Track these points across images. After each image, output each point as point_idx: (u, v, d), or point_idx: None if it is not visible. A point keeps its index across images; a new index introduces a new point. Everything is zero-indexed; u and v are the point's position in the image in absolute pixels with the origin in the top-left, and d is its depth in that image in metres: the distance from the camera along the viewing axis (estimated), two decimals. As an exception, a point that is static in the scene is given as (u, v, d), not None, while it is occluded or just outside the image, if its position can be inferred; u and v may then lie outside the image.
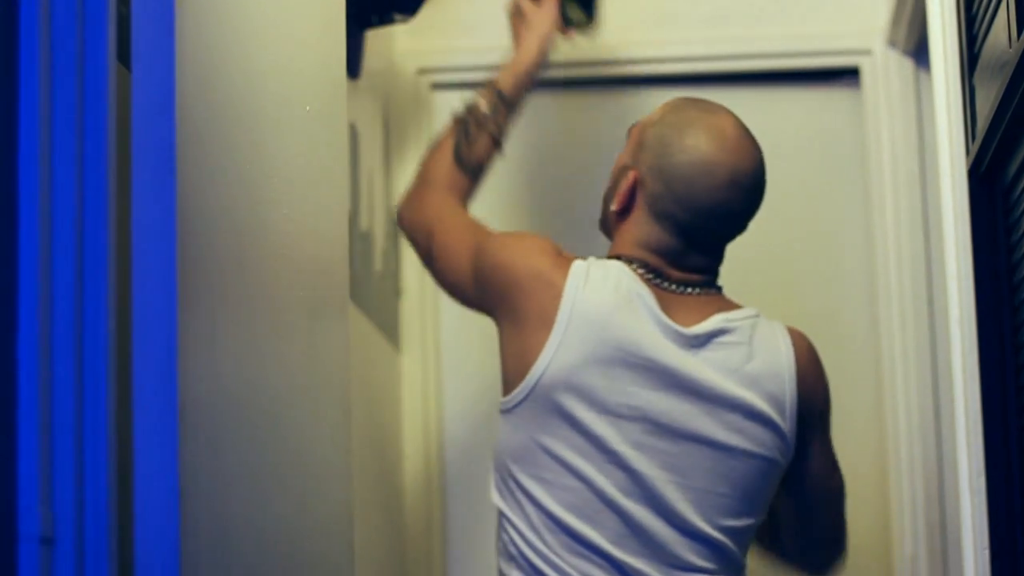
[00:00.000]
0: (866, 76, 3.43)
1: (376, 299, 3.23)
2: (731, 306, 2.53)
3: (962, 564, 2.18)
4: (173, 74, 1.64)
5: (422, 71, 3.54)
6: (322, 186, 2.18)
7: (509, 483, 2.50)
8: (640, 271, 2.49)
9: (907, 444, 3.32)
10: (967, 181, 2.17)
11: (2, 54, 1.61)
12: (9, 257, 1.59)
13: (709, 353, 2.45)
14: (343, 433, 2.20)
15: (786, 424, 2.48)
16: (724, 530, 2.45)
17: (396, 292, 3.44)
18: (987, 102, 2.01)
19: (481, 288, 2.58)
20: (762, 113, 3.51)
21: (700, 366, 2.44)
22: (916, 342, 3.33)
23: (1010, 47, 1.86)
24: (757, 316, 2.53)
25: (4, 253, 1.59)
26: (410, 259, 3.50)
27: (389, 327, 3.35)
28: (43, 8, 1.62)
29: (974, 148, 2.12)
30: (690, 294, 2.51)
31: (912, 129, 3.41)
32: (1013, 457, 2.06)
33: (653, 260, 2.50)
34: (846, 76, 3.48)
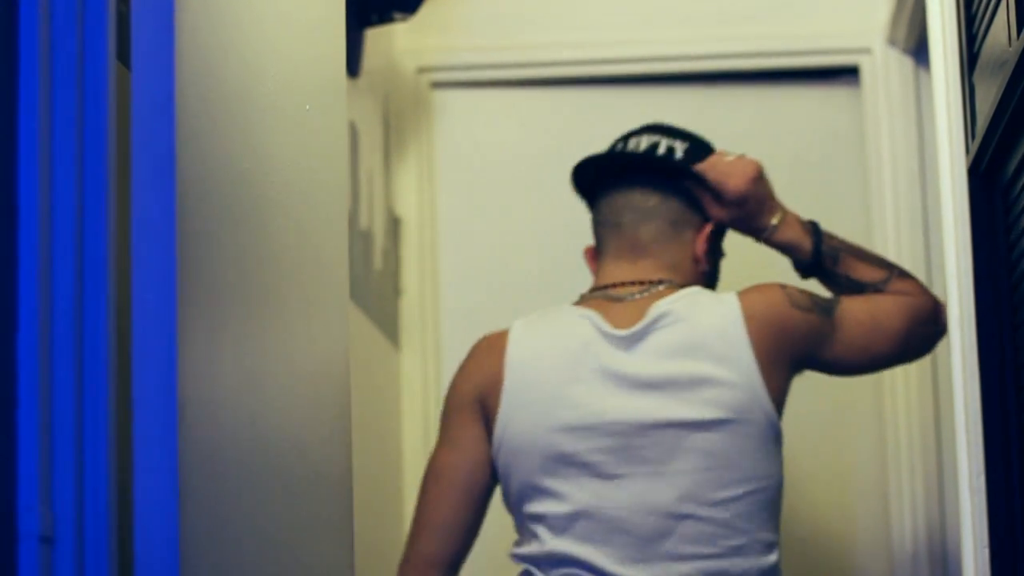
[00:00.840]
0: (866, 75, 3.43)
1: (376, 298, 3.23)
2: (671, 292, 2.63)
3: (962, 564, 2.18)
4: (173, 74, 1.64)
5: (422, 69, 3.54)
6: (322, 185, 2.18)
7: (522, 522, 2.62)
8: (594, 297, 2.66)
9: (907, 444, 3.33)
10: (967, 180, 2.17)
11: (2, 54, 1.60)
12: (9, 257, 1.59)
13: (648, 343, 2.55)
14: (343, 432, 2.20)
15: (746, 376, 2.50)
16: (717, 505, 2.46)
17: (396, 291, 3.44)
18: (987, 101, 2.01)
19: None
20: (762, 112, 3.52)
21: (640, 359, 2.54)
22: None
23: (1010, 46, 1.86)
24: (699, 292, 2.58)
25: (4, 253, 1.59)
26: (410, 258, 3.50)
27: (389, 326, 3.35)
28: (43, 8, 1.62)
29: (974, 147, 2.12)
30: (636, 299, 2.63)
31: (912, 128, 3.40)
32: (1013, 457, 2.06)
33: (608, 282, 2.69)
34: (846, 75, 3.48)
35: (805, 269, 2.74)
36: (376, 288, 3.23)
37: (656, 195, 2.72)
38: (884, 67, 3.41)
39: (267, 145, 1.98)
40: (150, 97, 1.64)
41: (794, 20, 3.49)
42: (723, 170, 2.72)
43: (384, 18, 3.18)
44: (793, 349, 2.58)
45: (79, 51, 1.64)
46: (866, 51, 3.43)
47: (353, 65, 3.08)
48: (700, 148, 2.77)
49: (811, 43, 3.48)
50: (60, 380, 1.60)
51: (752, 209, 2.72)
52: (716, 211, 2.71)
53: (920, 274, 3.35)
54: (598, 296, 2.66)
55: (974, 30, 2.12)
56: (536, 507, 2.54)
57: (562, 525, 2.51)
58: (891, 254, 3.35)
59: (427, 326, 3.48)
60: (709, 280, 2.74)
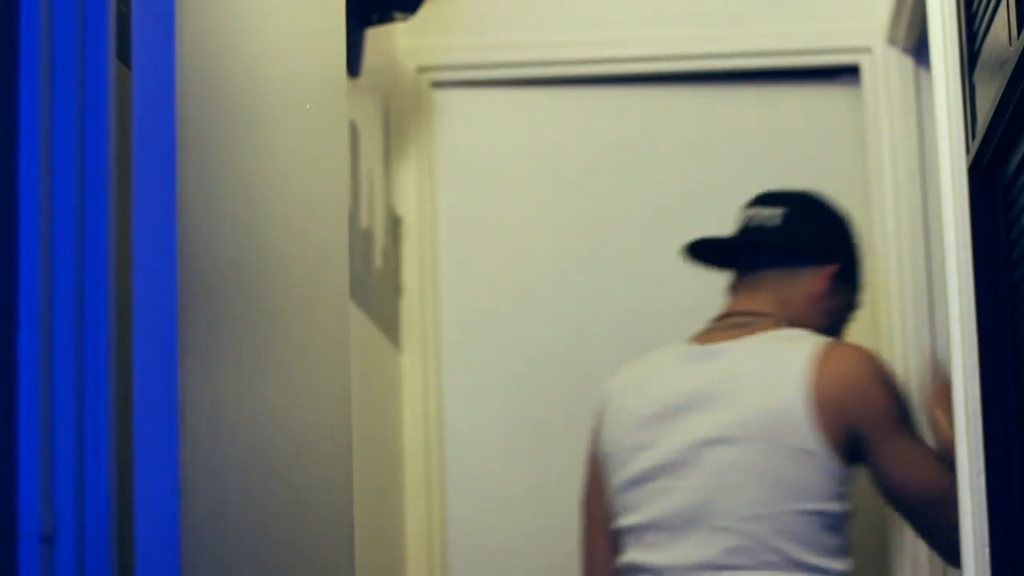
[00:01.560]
0: (866, 74, 3.43)
1: (376, 298, 3.23)
2: (765, 329, 2.80)
3: (962, 564, 2.18)
4: (173, 74, 1.64)
5: (422, 69, 3.53)
6: (322, 184, 2.17)
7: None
8: (705, 328, 2.88)
9: (907, 442, 3.32)
10: (967, 179, 2.17)
11: (2, 54, 1.60)
12: (9, 257, 1.59)
13: (712, 366, 2.75)
14: (343, 432, 2.20)
15: (799, 411, 2.63)
16: (751, 520, 2.54)
17: (396, 290, 3.44)
18: (987, 100, 2.01)
19: None
20: (762, 112, 3.52)
21: (704, 374, 2.75)
22: (916, 341, 3.33)
23: (1010, 45, 1.86)
24: (786, 339, 2.76)
25: (4, 253, 1.59)
26: (410, 258, 3.50)
27: (389, 326, 3.35)
28: (43, 8, 1.62)
29: (974, 146, 2.12)
30: (730, 331, 2.83)
31: (912, 128, 3.40)
32: (1013, 457, 2.06)
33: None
34: (846, 74, 3.48)
35: None
36: (376, 288, 3.23)
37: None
38: (884, 67, 3.41)
39: (267, 145, 1.98)
40: (150, 97, 1.64)
41: (794, 20, 3.48)
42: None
43: (384, 18, 3.18)
44: (852, 425, 2.67)
45: (79, 51, 1.64)
46: (866, 51, 3.43)
47: (353, 65, 3.08)
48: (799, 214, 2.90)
49: (811, 43, 3.48)
50: (60, 380, 1.59)
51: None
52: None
53: (920, 274, 3.35)
54: (714, 326, 2.86)
55: (974, 29, 2.12)
56: (620, 522, 2.78)
57: (636, 537, 2.74)
58: (891, 254, 3.35)
59: (427, 326, 3.48)
60: (831, 324, 2.83)
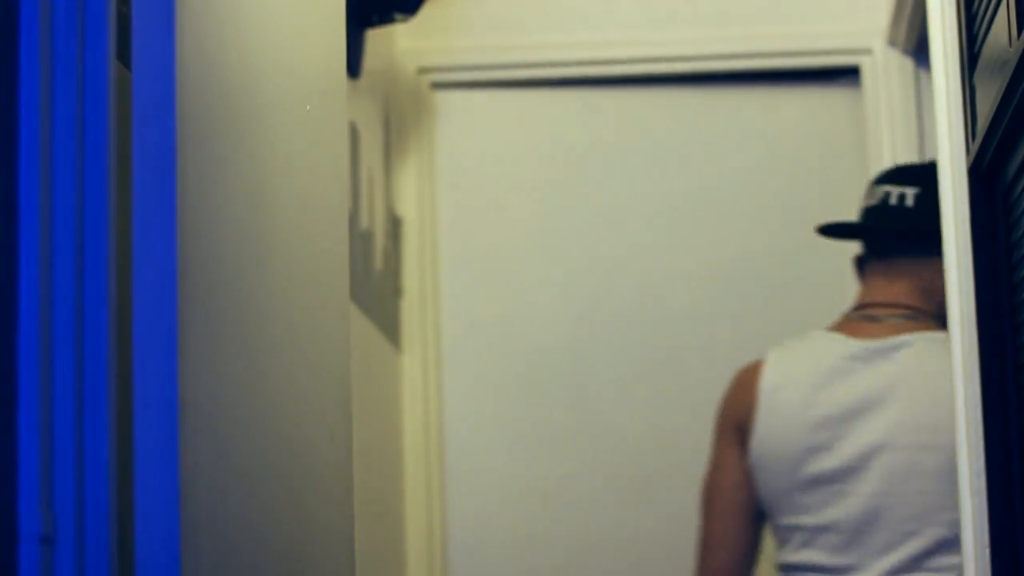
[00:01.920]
0: (866, 75, 3.43)
1: (376, 299, 3.22)
2: (923, 328, 2.78)
3: (962, 564, 2.18)
4: (173, 74, 1.64)
5: (422, 70, 3.53)
6: (322, 185, 2.17)
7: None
8: (850, 319, 2.84)
9: (907, 443, 3.32)
10: (967, 180, 2.17)
11: (2, 54, 1.60)
12: (9, 257, 1.59)
13: (881, 368, 2.75)
14: (343, 433, 2.20)
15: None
16: (929, 524, 2.66)
17: (396, 292, 3.44)
18: (987, 101, 2.01)
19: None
20: (762, 113, 3.52)
21: (871, 382, 2.75)
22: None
23: (1010, 46, 1.86)
24: (939, 340, 2.72)
25: (4, 253, 1.58)
26: (410, 258, 3.50)
27: (389, 327, 3.35)
28: (43, 8, 1.62)
29: (974, 147, 2.12)
30: (885, 322, 2.80)
31: (912, 128, 3.40)
32: (1013, 457, 2.06)
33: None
34: (846, 75, 3.48)
35: None
36: (376, 289, 3.23)
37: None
38: (884, 67, 3.41)
39: (268, 145, 1.98)
40: (150, 97, 1.64)
41: (794, 20, 3.49)
42: None
43: (384, 19, 3.18)
44: None
45: (79, 51, 1.64)
46: (866, 51, 3.43)
47: (354, 66, 3.08)
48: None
49: (811, 43, 3.48)
50: (60, 380, 1.59)
51: None
52: None
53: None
54: (855, 317, 2.82)
55: (974, 30, 2.12)
56: (789, 519, 2.76)
57: (809, 537, 2.74)
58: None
59: (428, 327, 3.48)
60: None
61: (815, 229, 2.94)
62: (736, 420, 2.86)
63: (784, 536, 2.80)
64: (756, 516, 2.84)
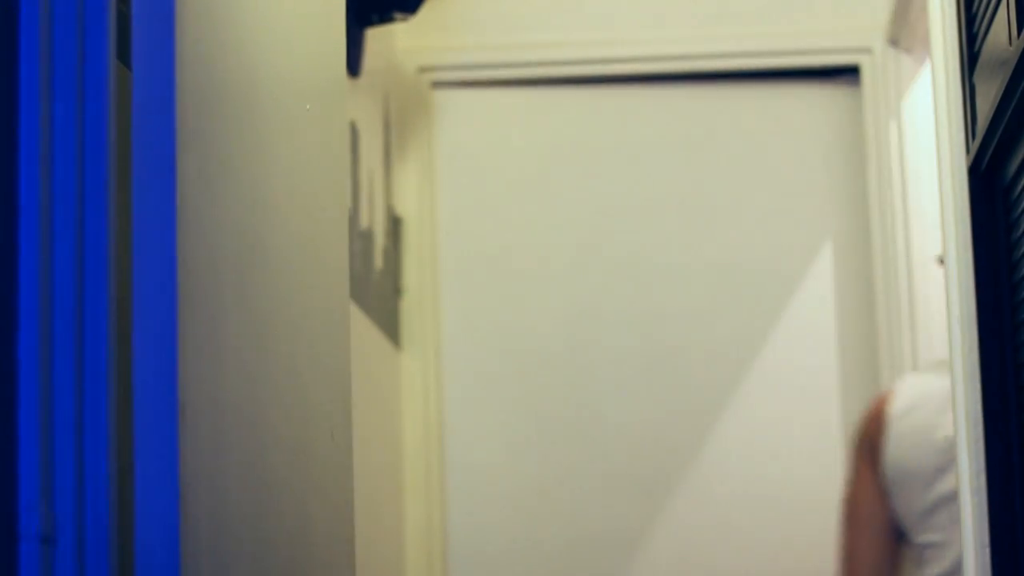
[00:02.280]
0: (866, 74, 3.43)
1: (376, 298, 3.22)
2: None
3: (963, 564, 2.18)
4: (173, 74, 1.64)
5: (422, 69, 3.54)
6: (322, 184, 2.17)
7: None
8: None
9: (907, 443, 3.32)
10: (967, 180, 2.17)
11: (2, 54, 1.60)
12: (9, 257, 1.59)
13: None
14: (343, 433, 2.20)
15: None
16: None
17: (396, 291, 3.44)
18: (987, 100, 2.01)
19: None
20: (761, 112, 3.52)
21: None
22: (916, 341, 3.33)
23: (1010, 45, 1.86)
24: None
25: (4, 253, 1.58)
26: (410, 258, 3.50)
27: (389, 326, 3.35)
28: (43, 8, 1.62)
29: (974, 147, 2.12)
30: None
31: (912, 128, 3.40)
32: (1013, 457, 2.06)
33: None
34: (846, 74, 3.48)
35: None
36: (376, 288, 3.23)
37: None
38: (884, 67, 3.41)
39: (268, 145, 1.98)
40: (150, 97, 1.64)
41: (794, 20, 3.49)
42: None
43: (384, 18, 3.18)
44: None
45: (79, 51, 1.64)
46: (866, 51, 3.43)
47: (354, 65, 3.08)
48: None
49: (811, 43, 3.48)
50: (60, 380, 1.59)
51: None
52: None
53: (920, 274, 3.35)
54: None
55: (974, 30, 2.12)
56: (924, 537, 2.85)
57: (940, 555, 2.82)
58: (891, 254, 3.35)
59: (427, 326, 3.48)
60: None
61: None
62: (869, 442, 2.99)
63: (921, 555, 2.89)
64: (892, 531, 2.94)
